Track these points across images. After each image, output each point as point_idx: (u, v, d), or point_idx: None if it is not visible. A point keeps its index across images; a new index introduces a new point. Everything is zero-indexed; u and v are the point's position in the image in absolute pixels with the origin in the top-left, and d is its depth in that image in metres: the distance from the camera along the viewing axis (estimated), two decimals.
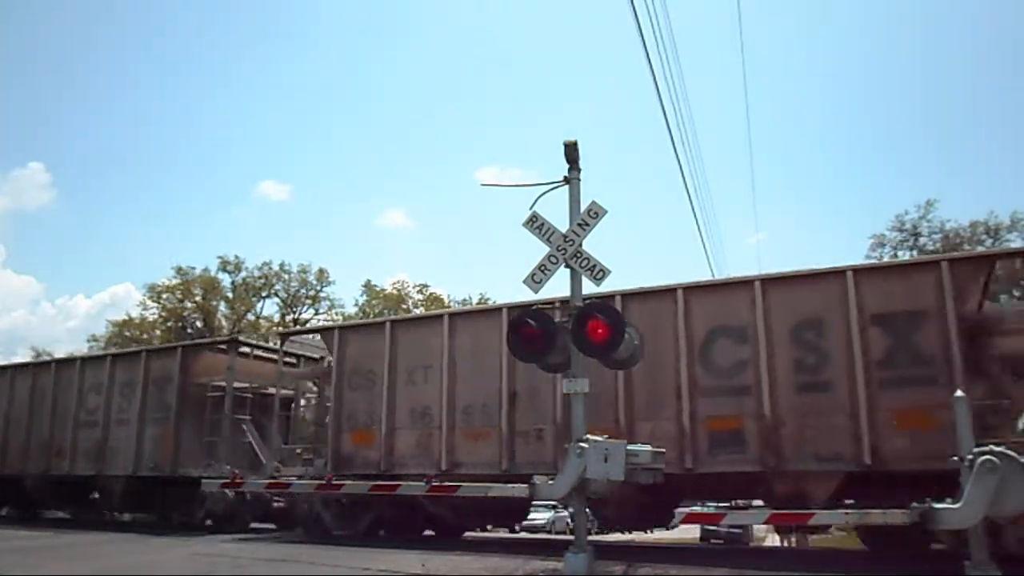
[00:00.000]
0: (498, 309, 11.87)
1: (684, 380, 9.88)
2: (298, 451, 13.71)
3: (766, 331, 9.54)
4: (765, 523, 7.85)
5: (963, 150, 67.01)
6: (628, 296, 10.56)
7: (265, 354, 15.69)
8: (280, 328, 36.74)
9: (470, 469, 10.91)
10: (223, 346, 15.28)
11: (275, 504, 14.43)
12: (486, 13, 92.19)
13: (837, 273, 9.47)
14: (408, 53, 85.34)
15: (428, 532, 12.65)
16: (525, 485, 7.62)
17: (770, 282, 9.85)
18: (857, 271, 9.37)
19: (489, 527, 16.70)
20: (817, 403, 9.17)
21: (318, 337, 15.13)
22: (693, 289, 10.37)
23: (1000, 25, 67.17)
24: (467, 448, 11.29)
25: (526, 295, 8.36)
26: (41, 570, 8.60)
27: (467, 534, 14.01)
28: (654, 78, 10.44)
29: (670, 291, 10.36)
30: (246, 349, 15.64)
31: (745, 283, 10.04)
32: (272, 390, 14.17)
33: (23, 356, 45.01)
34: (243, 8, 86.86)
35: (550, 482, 7.37)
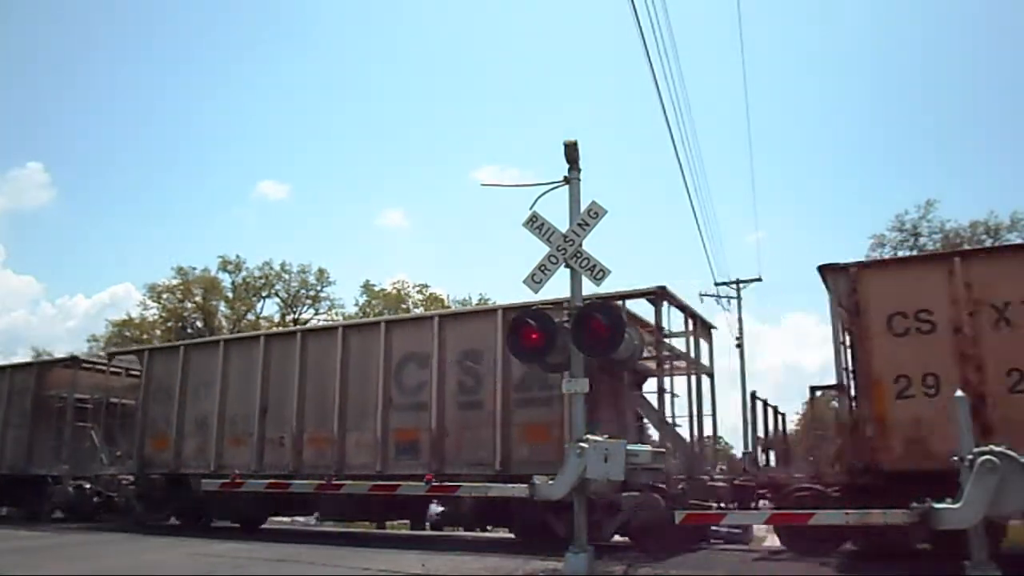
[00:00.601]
0: (256, 337, 15.02)
1: (380, 397, 11.98)
2: (118, 453, 16.16)
3: (439, 359, 11.56)
4: (765, 523, 7.85)
5: (963, 150, 67.10)
6: (348, 328, 13.64)
7: (111, 369, 17.88)
8: (278, 328, 36.84)
9: (231, 469, 12.81)
10: (68, 363, 18.01)
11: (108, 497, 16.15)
12: (484, 12, 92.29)
13: (491, 311, 12.03)
14: (405, 52, 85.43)
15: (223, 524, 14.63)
16: (525, 485, 7.62)
17: (446, 318, 12.38)
18: (505, 310, 11.28)
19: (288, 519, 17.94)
20: (473, 418, 11.16)
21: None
22: (393, 323, 13.33)
23: (1000, 25, 67.21)
24: (232, 452, 13.57)
25: (525, 295, 8.38)
26: (41, 570, 8.60)
27: (467, 534, 14.01)
28: (654, 77, 10.46)
29: (376, 324, 13.48)
30: (88, 365, 18.14)
31: (428, 318, 12.82)
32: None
33: (23, 356, 44.96)
34: (240, 8, 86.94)
35: (550, 482, 7.37)
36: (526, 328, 7.74)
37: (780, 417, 14.09)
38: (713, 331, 12.62)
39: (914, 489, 6.52)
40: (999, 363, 8.16)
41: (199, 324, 42.26)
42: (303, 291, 44.03)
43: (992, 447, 6.16)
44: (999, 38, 67.37)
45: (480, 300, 41.53)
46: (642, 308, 11.02)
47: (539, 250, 7.90)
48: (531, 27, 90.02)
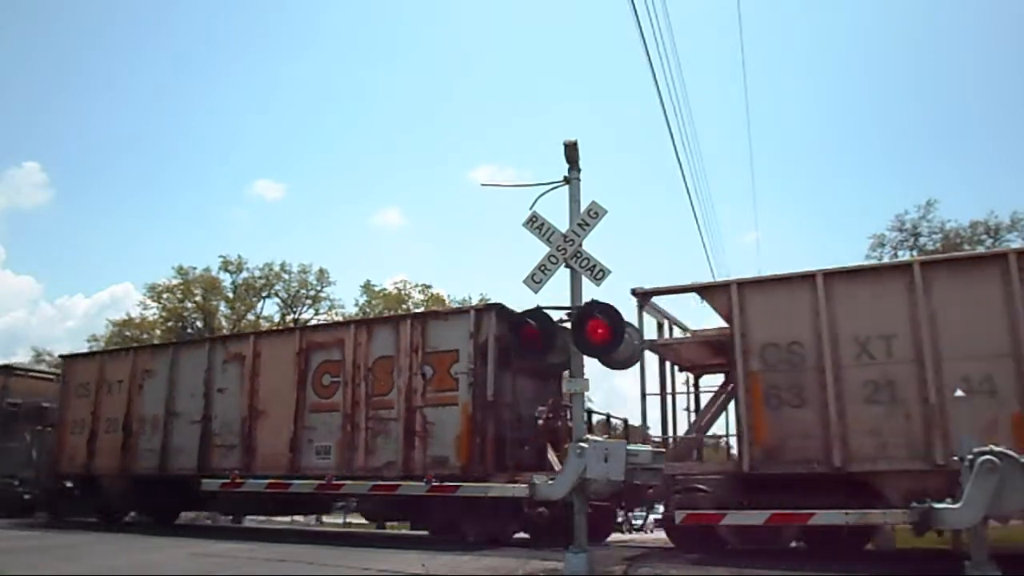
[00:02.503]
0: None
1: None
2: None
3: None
4: (765, 523, 7.88)
5: (963, 150, 67.06)
6: (259, 336, 15.16)
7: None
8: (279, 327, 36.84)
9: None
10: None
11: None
12: (481, 11, 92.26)
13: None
14: (400, 52, 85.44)
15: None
16: (525, 485, 7.62)
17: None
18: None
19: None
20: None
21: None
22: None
23: (1000, 25, 67.19)
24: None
25: (525, 295, 8.37)
26: (41, 570, 8.59)
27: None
28: (654, 77, 10.45)
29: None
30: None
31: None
32: None
33: (23, 356, 45.00)
34: (236, 7, 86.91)
35: (550, 482, 7.37)
36: (526, 328, 7.74)
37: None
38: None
39: None
40: None
41: (199, 324, 42.24)
42: (303, 291, 44.02)
43: (992, 447, 6.17)
44: (999, 38, 67.39)
45: (480, 299, 41.51)
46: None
47: (539, 250, 7.90)
48: (529, 26, 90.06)
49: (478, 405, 11.26)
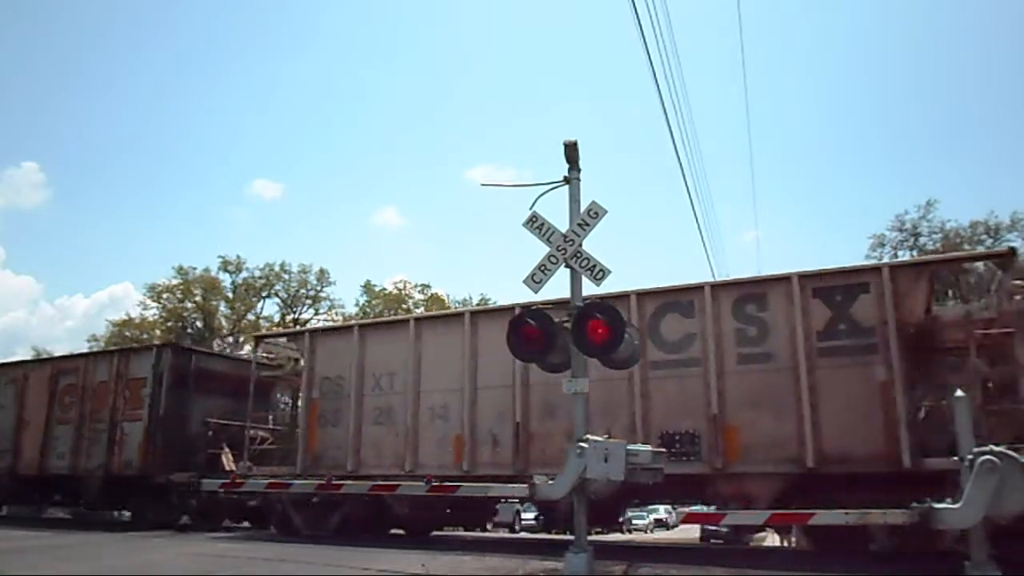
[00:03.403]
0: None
1: None
2: None
3: None
4: (765, 523, 7.86)
5: (963, 150, 67.07)
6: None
7: None
8: (281, 328, 36.94)
9: None
10: None
11: None
12: (479, 10, 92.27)
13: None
14: (398, 51, 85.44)
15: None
16: (525, 485, 7.62)
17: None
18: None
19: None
20: None
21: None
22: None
23: (1000, 25, 67.19)
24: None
25: (525, 294, 8.39)
26: (41, 570, 8.60)
27: (468, 534, 14.00)
28: (654, 76, 10.45)
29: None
30: None
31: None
32: None
33: (23, 356, 44.95)
34: (235, 7, 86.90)
35: (550, 482, 7.37)
36: (526, 328, 7.73)
37: None
38: None
39: None
40: None
41: (199, 324, 42.26)
42: (303, 291, 44.03)
43: (992, 447, 6.17)
44: (999, 38, 67.40)
45: (480, 300, 41.51)
46: None
47: (539, 250, 7.90)
48: (528, 26, 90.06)
49: (153, 420, 14.62)
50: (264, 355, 15.31)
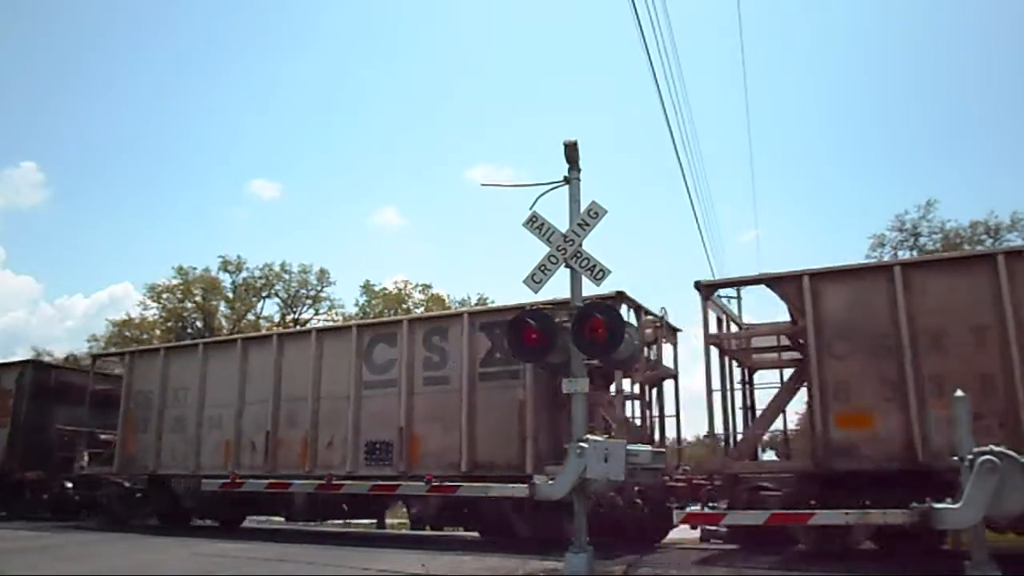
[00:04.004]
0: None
1: None
2: None
3: None
4: (765, 523, 7.88)
5: (963, 150, 67.07)
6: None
7: None
8: (279, 328, 37.00)
9: None
10: None
11: None
12: (477, 10, 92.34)
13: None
14: (395, 51, 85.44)
15: None
16: (525, 485, 7.62)
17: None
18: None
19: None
20: None
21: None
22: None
23: (1000, 25, 67.22)
24: None
25: (526, 294, 8.40)
26: (41, 570, 8.60)
27: (467, 534, 14.00)
28: (654, 76, 10.45)
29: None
30: None
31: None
32: None
33: (23, 356, 44.93)
34: (235, 7, 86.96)
35: (550, 482, 7.37)
36: (526, 328, 7.74)
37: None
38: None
39: None
40: None
41: (199, 324, 42.25)
42: (303, 291, 44.00)
43: (992, 447, 6.17)
44: (999, 38, 67.44)
45: (479, 300, 41.49)
46: None
47: (539, 250, 7.90)
48: (526, 25, 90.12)
49: (16, 426, 16.69)
50: None
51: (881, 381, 8.85)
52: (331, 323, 18.17)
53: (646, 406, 11.61)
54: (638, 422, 11.29)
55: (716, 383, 10.47)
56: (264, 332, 17.28)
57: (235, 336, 16.86)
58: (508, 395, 10.79)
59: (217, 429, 13.61)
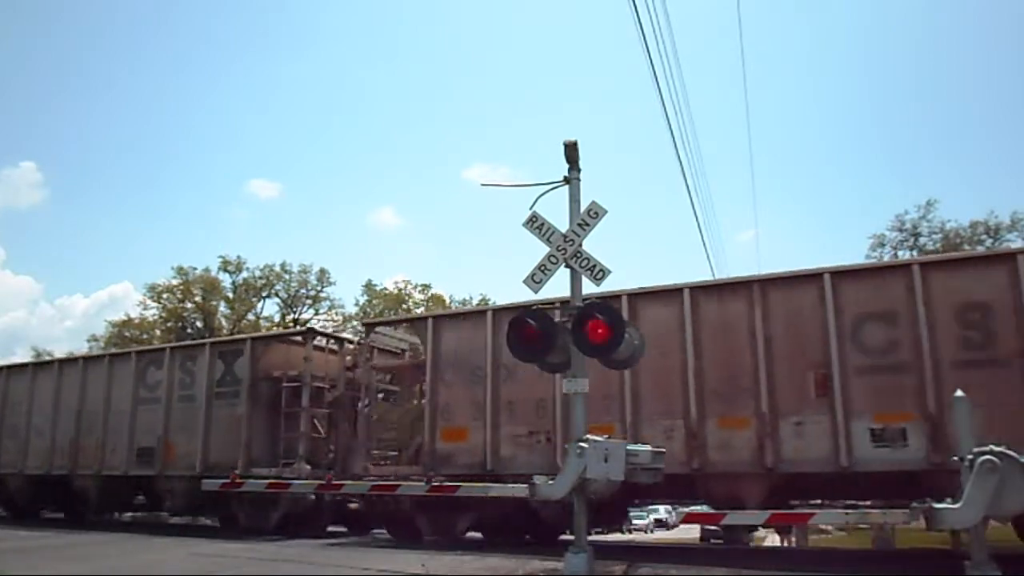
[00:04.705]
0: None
1: None
2: None
3: None
4: (765, 523, 7.88)
5: (963, 150, 67.06)
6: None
7: None
8: (279, 328, 36.99)
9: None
10: None
11: None
12: (475, 10, 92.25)
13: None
14: (393, 51, 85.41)
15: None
16: (525, 485, 7.61)
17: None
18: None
19: None
20: None
21: None
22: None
23: (1000, 25, 67.19)
24: None
25: (526, 294, 8.39)
26: (41, 570, 8.60)
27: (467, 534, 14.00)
28: (655, 76, 10.45)
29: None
30: None
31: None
32: None
33: (22, 356, 45.09)
34: (234, 7, 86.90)
35: (550, 482, 7.36)
36: (526, 328, 7.73)
37: None
38: None
39: None
40: None
41: (199, 324, 42.26)
42: (303, 291, 44.00)
43: (992, 447, 6.16)
44: (999, 38, 67.41)
45: (481, 300, 41.48)
46: None
47: (539, 250, 7.89)
48: (526, 25, 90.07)
49: None
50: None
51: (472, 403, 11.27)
52: (120, 350, 20.50)
53: None
54: None
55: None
56: (76, 355, 20.57)
57: (53, 360, 19.14)
58: (232, 411, 13.57)
59: (40, 436, 16.19)
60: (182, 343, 18.08)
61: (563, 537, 12.65)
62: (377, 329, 13.63)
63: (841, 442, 8.93)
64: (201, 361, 14.14)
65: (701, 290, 10.23)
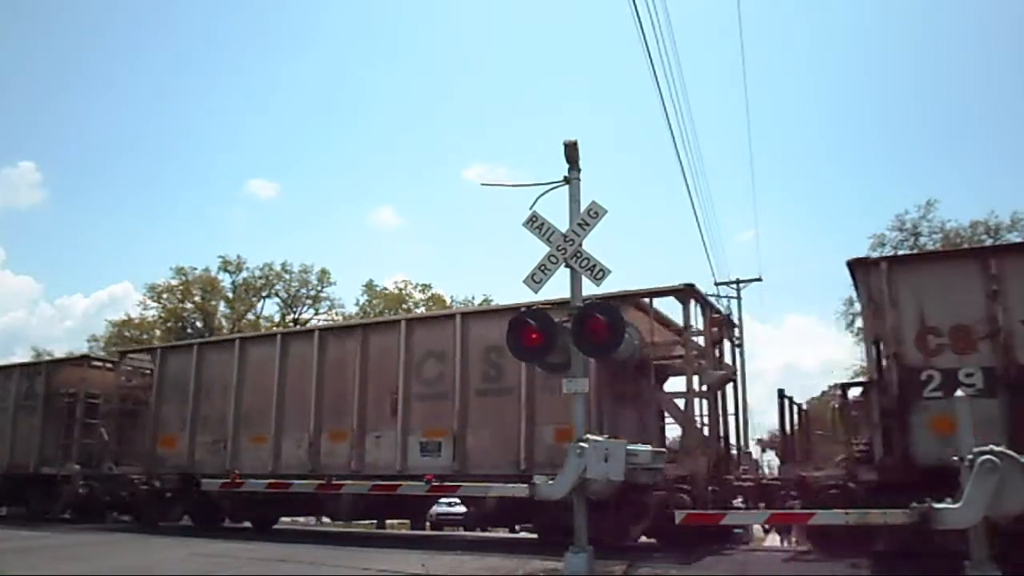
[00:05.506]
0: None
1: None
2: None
3: None
4: (765, 523, 7.88)
5: (963, 150, 67.07)
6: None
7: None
8: (278, 328, 36.99)
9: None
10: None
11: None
12: (474, 10, 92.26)
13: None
14: (392, 51, 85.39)
15: None
16: (525, 485, 7.62)
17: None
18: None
19: None
20: None
21: None
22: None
23: (1000, 25, 67.21)
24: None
25: (526, 294, 8.40)
26: (41, 570, 8.60)
27: (468, 534, 14.00)
28: (655, 76, 10.45)
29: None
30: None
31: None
32: None
33: (22, 356, 45.08)
34: (234, 7, 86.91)
35: (550, 482, 7.36)
36: (526, 328, 7.73)
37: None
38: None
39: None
40: None
41: (199, 324, 42.23)
42: (303, 291, 43.97)
43: (992, 447, 6.16)
44: (999, 38, 67.42)
45: (483, 300, 41.46)
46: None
47: (539, 250, 7.89)
48: (526, 25, 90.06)
49: None
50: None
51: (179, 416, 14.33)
52: None
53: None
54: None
55: None
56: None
57: None
58: (31, 420, 16.70)
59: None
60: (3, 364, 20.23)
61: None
62: (129, 355, 16.95)
63: (399, 453, 11.70)
64: (14, 379, 17.47)
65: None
